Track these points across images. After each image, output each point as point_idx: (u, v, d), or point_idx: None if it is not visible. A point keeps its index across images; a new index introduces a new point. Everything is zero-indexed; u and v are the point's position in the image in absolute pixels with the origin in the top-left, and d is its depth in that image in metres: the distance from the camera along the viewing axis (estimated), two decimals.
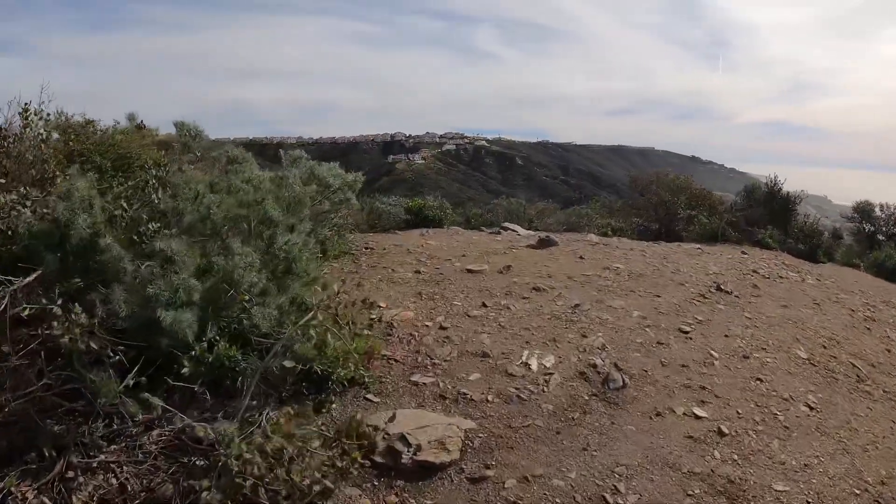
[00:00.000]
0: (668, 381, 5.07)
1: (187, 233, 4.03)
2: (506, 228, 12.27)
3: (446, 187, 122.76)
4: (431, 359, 5.06)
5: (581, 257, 9.15)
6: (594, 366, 5.10)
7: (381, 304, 6.03)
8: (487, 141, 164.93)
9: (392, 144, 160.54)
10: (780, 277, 9.29)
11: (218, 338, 3.96)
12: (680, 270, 8.80)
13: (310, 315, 4.08)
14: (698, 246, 11.77)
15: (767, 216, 14.02)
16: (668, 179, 15.81)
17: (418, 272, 7.64)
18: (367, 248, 9.06)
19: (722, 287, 7.85)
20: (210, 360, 3.81)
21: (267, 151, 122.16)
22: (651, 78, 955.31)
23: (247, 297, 3.89)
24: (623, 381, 4.90)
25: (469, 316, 6.04)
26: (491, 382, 4.76)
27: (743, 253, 11.39)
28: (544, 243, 9.84)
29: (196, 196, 4.04)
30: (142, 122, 7.73)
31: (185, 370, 3.73)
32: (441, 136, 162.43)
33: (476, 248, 9.40)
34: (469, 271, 7.75)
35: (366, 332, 4.89)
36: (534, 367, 5.00)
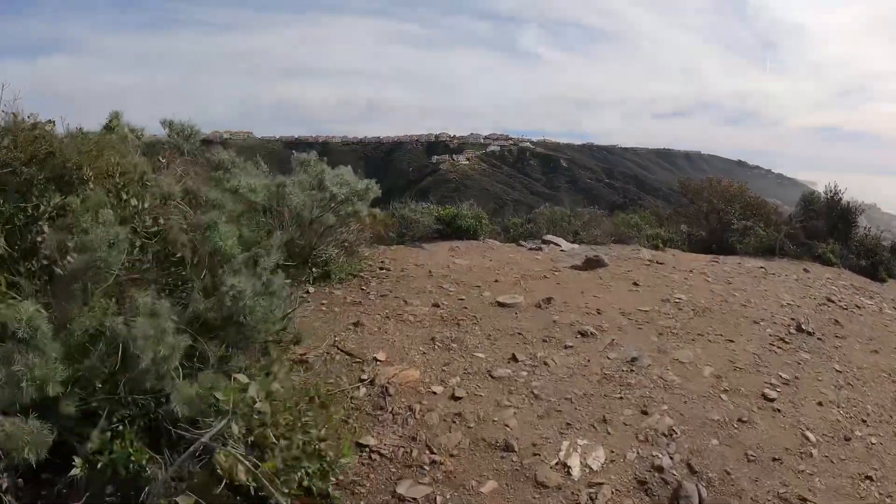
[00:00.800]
0: (759, 491, 3.74)
1: (76, 280, 2.85)
2: (547, 242, 11.27)
3: (490, 189, 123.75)
4: (431, 451, 3.77)
5: (635, 284, 8.18)
6: (659, 468, 3.79)
7: (379, 357, 4.84)
8: (532, 143, 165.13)
9: (436, 144, 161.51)
10: (857, 307, 8.26)
11: (122, 428, 2.86)
12: (750, 301, 7.81)
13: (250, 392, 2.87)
14: (760, 264, 10.76)
15: (827, 228, 13.13)
16: (721, 186, 14.98)
17: (437, 306, 6.51)
18: (382, 269, 7.93)
19: (802, 326, 6.85)
20: (102, 462, 2.72)
21: (312, 150, 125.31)
22: (698, 80, 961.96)
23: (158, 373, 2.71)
24: (700, 495, 3.55)
25: (493, 377, 4.81)
26: (512, 498, 3.50)
27: (805, 271, 10.53)
28: (592, 264, 8.99)
29: (90, 227, 2.85)
30: (116, 121, 6.68)
31: (74, 471, 2.70)
32: (486, 137, 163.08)
33: (512, 269, 8.46)
34: (500, 304, 6.63)
35: (342, 410, 3.73)
36: (575, 470, 3.69)
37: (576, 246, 11.14)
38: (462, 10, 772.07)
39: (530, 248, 10.63)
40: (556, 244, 10.98)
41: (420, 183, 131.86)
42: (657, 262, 9.97)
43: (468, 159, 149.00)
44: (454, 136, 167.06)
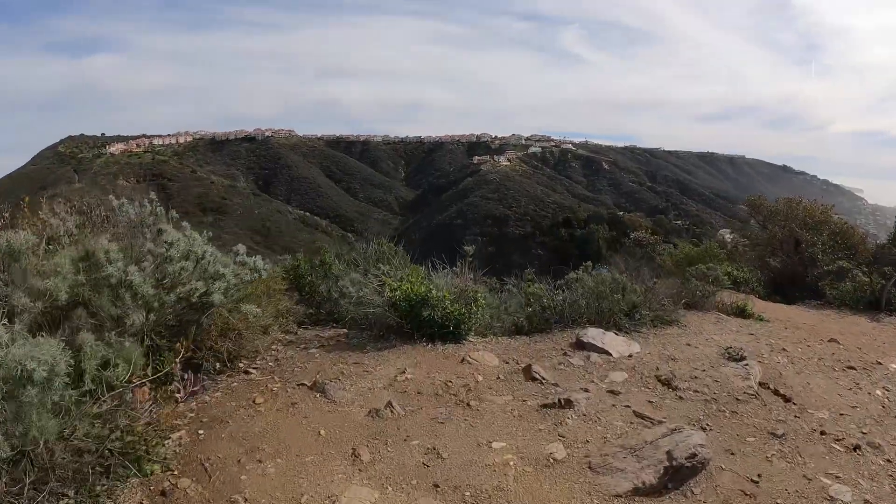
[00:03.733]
0: None
1: None
2: (587, 346, 7.99)
3: (531, 190, 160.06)
4: None
5: None
6: None
7: None
8: (574, 144, 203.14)
9: (477, 145, 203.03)
10: None
11: None
12: None
13: None
14: None
15: None
16: (802, 208, 14.69)
17: None
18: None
19: None
20: None
21: (353, 149, 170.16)
22: (742, 82, 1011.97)
23: None
24: None
25: None
26: None
27: None
28: (675, 480, 4.90)
29: None
30: None
31: None
32: (527, 139, 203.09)
33: (489, 478, 4.86)
34: None
35: None
36: None
37: (635, 348, 8.12)
38: (503, 11, 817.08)
39: (549, 384, 6.80)
40: (601, 348, 7.87)
41: (460, 183, 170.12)
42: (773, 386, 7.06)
43: (509, 160, 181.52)
44: (495, 136, 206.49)
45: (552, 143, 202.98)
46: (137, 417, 4.77)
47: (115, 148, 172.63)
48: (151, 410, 5.16)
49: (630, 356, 7.94)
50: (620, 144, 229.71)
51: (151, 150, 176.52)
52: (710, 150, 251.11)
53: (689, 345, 8.55)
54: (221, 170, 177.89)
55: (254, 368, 7.01)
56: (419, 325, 8.16)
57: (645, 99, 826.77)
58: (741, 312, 10.92)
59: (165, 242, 6.06)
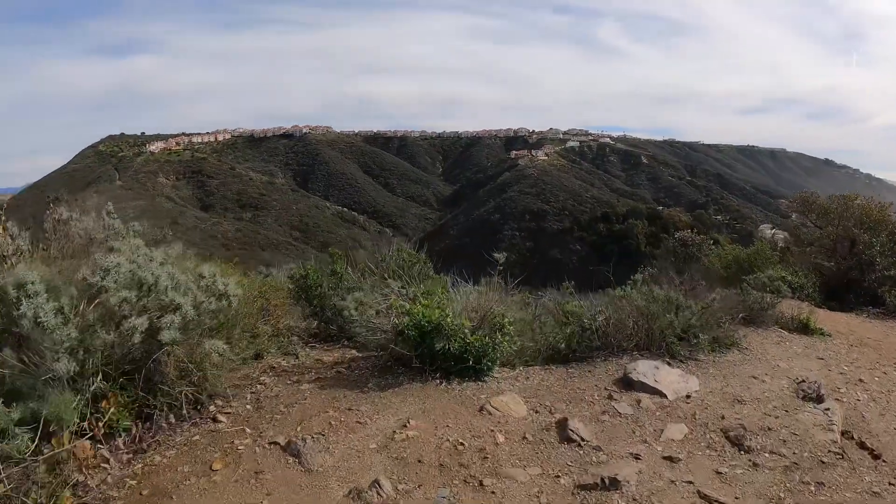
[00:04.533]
0: None
1: None
2: (636, 385, 6.51)
3: (568, 185, 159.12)
4: None
5: None
6: None
7: None
8: (612, 138, 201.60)
9: (515, 140, 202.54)
10: None
11: None
12: None
13: None
14: None
15: None
16: (857, 206, 13.77)
17: None
18: None
19: None
20: None
21: (391, 145, 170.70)
22: (783, 74, 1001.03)
23: None
24: None
25: None
26: None
27: None
28: None
29: None
30: None
31: None
32: (565, 133, 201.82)
33: None
34: None
35: None
36: None
37: (693, 384, 6.63)
38: (539, 5, 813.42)
39: (604, 414, 5.95)
40: (654, 388, 6.39)
41: (498, 178, 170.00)
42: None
43: (547, 154, 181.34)
44: (533, 131, 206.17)
45: (590, 138, 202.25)
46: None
47: (155, 146, 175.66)
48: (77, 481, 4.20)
49: (688, 397, 6.43)
50: (659, 138, 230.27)
51: (191, 148, 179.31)
52: (750, 144, 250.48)
53: (754, 377, 7.09)
54: (260, 166, 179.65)
55: (226, 414, 5.73)
56: (432, 357, 6.64)
57: (683, 91, 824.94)
58: (803, 328, 9.48)
59: (101, 269, 5.06)
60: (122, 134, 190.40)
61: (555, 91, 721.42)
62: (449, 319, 6.57)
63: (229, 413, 5.72)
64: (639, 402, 6.23)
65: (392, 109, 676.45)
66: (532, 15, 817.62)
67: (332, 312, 8.99)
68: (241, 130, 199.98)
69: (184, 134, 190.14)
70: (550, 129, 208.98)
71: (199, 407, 5.64)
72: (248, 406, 5.93)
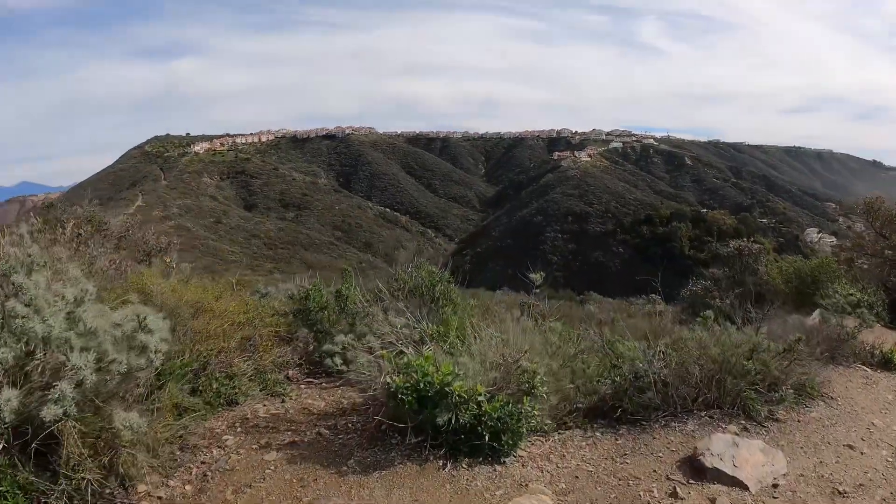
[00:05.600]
0: None
1: None
2: (709, 472, 4.90)
3: (612, 187, 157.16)
4: None
5: None
6: None
7: None
8: (655, 139, 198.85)
9: (558, 140, 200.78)
10: None
11: None
12: None
13: None
14: None
15: None
16: None
17: None
18: None
19: None
20: None
21: (433, 145, 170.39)
22: (826, 73, 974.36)
23: None
24: None
25: None
26: None
27: None
28: None
29: None
30: None
31: None
32: (608, 134, 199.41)
33: None
34: None
35: None
36: None
37: (779, 465, 5.01)
38: (577, 4, 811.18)
39: None
40: (732, 477, 4.80)
41: (541, 180, 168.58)
42: None
43: (590, 156, 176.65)
44: (575, 132, 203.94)
45: (633, 138, 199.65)
46: None
47: (200, 147, 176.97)
48: None
49: (775, 487, 4.79)
50: (703, 139, 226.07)
51: (234, 149, 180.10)
52: (796, 145, 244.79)
53: (850, 447, 5.52)
54: (303, 167, 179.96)
55: (156, 499, 4.36)
56: (434, 429, 5.05)
57: (726, 91, 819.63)
58: (886, 362, 7.99)
59: None
60: (168, 135, 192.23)
61: (596, 91, 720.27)
62: (457, 383, 4.97)
63: (160, 499, 4.36)
64: (713, 501, 4.60)
65: (431, 110, 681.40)
66: (570, 15, 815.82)
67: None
68: (284, 131, 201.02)
69: (228, 135, 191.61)
70: (593, 129, 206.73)
71: (130, 483, 4.25)
72: (188, 486, 4.59)
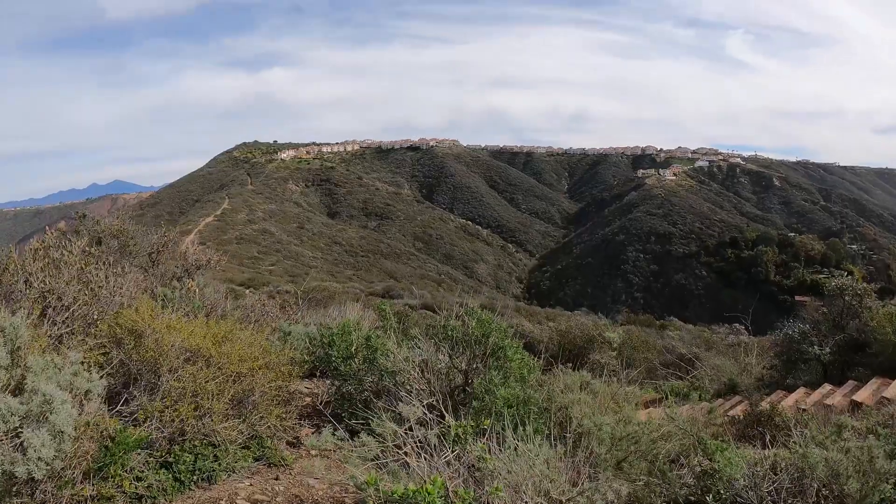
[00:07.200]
0: None
1: None
2: None
3: (696, 207, 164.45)
4: None
5: None
6: None
7: None
8: (742, 158, 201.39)
9: (642, 158, 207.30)
10: None
11: None
12: None
13: None
14: None
15: None
16: None
17: None
18: None
19: None
20: None
21: (517, 160, 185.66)
22: None
23: None
24: None
25: None
26: None
27: None
28: None
29: None
30: None
31: None
32: (693, 152, 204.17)
33: None
34: None
35: None
36: None
37: None
38: (665, 18, 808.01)
39: None
40: None
41: (624, 198, 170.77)
42: None
43: (675, 174, 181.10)
44: (660, 149, 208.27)
45: (720, 157, 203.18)
46: None
47: (286, 154, 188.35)
48: None
49: None
50: (792, 159, 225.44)
51: (320, 157, 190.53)
52: (889, 167, 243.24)
53: None
54: (386, 177, 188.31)
55: None
56: None
57: (818, 108, 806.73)
58: None
59: None
60: (256, 141, 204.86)
61: (683, 106, 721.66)
62: None
63: None
64: None
65: (519, 124, 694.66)
66: (657, 28, 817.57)
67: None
68: (369, 142, 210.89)
69: (314, 143, 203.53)
70: (679, 147, 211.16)
71: None
72: None
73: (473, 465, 4.37)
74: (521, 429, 4.86)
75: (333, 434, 6.26)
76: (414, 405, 5.31)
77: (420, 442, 4.64)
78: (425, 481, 3.89)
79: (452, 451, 4.57)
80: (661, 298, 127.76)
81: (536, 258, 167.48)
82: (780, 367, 13.28)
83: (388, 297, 47.88)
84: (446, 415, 5.36)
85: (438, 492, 3.71)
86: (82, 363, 5.01)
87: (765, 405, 8.92)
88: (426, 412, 5.35)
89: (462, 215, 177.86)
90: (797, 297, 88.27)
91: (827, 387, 11.01)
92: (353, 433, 6.05)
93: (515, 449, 4.53)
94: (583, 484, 4.35)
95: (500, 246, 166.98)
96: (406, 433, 4.88)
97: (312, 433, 6.65)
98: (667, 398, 9.73)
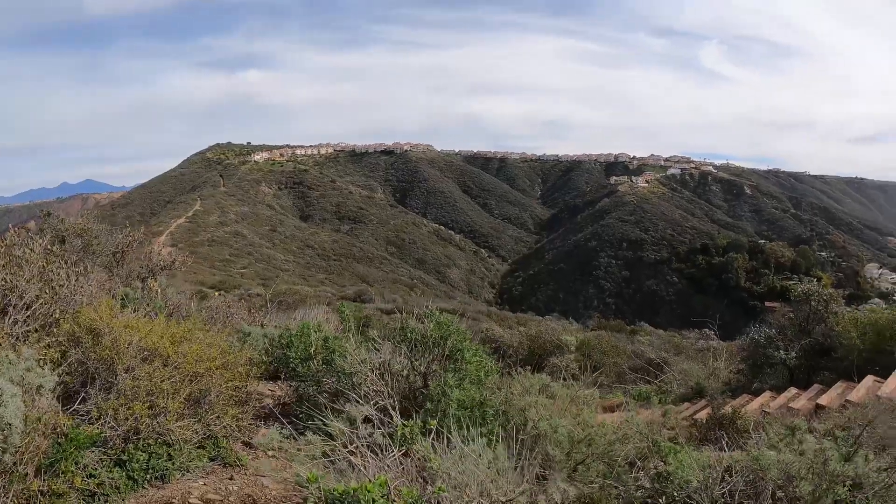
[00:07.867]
0: None
1: None
2: None
3: (668, 214, 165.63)
4: None
5: None
6: None
7: None
8: (714, 167, 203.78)
9: (615, 165, 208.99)
10: None
11: None
12: None
13: None
14: None
15: None
16: None
17: None
18: None
19: None
20: None
21: (490, 165, 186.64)
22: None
23: None
24: None
25: None
26: None
27: None
28: None
29: None
30: None
31: None
32: (666, 160, 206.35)
33: None
34: None
35: None
36: None
37: None
38: (640, 27, 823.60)
39: None
40: None
41: (597, 204, 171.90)
42: None
43: (647, 182, 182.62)
44: (633, 156, 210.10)
45: (692, 165, 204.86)
46: None
47: (260, 156, 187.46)
48: None
49: None
50: (763, 167, 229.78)
51: (293, 160, 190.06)
52: (858, 176, 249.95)
53: None
54: (360, 181, 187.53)
55: None
56: None
57: (790, 118, 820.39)
58: None
59: None
60: (229, 143, 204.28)
61: (656, 115, 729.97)
62: None
63: None
64: None
65: (495, 130, 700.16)
66: (633, 38, 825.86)
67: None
68: (343, 145, 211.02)
69: (288, 146, 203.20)
70: (651, 154, 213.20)
71: None
72: None
73: (423, 466, 4.39)
74: (465, 430, 4.87)
75: (280, 433, 6.24)
76: (362, 406, 5.38)
77: (369, 442, 4.72)
78: (370, 480, 3.90)
79: (400, 451, 4.65)
80: (632, 304, 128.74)
81: (509, 263, 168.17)
82: (747, 372, 13.65)
83: (359, 301, 48.09)
84: (394, 415, 5.42)
85: (380, 490, 3.74)
86: (38, 360, 5.00)
87: (727, 409, 9.07)
88: (377, 413, 5.41)
89: (435, 220, 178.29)
90: (767, 303, 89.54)
91: (793, 390, 11.27)
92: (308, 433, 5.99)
93: (462, 450, 4.52)
94: (525, 484, 4.41)
95: (472, 251, 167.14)
96: (354, 433, 4.96)
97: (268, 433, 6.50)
98: (628, 402, 9.91)
